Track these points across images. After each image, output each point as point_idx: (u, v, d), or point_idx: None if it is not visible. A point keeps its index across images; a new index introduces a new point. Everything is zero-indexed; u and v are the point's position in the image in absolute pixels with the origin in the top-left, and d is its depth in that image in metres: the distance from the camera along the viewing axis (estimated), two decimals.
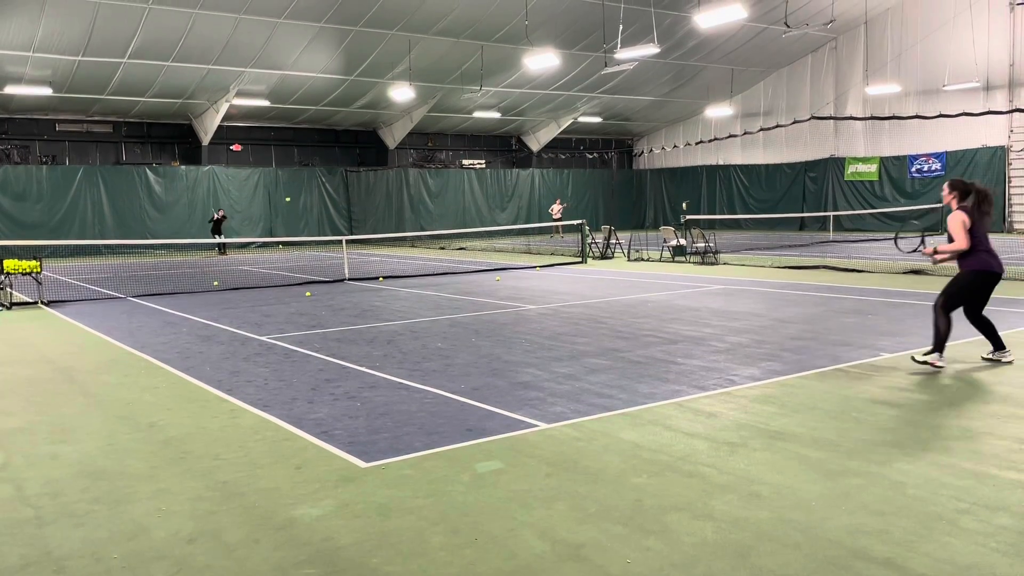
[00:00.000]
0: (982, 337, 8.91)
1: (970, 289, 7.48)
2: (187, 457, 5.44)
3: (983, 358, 7.76)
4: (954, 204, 7.53)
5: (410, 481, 4.85)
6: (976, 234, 7.39)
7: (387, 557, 3.85)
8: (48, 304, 13.93)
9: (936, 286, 13.49)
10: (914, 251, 8.52)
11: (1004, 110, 26.96)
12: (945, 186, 7.65)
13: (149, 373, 8.19)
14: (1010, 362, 7.65)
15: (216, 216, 29.01)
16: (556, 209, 34.79)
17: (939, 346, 7.45)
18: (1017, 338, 8.86)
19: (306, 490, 4.75)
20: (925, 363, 7.46)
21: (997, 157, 29.26)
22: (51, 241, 25.06)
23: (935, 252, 7.74)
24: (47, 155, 29.77)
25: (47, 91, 25.90)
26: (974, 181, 7.66)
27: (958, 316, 7.55)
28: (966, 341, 8.75)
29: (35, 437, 5.99)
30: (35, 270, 14.23)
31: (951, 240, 7.46)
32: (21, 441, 5.90)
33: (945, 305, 7.49)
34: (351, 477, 4.95)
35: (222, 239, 28.05)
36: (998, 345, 7.70)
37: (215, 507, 4.54)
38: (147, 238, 28.74)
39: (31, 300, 14.25)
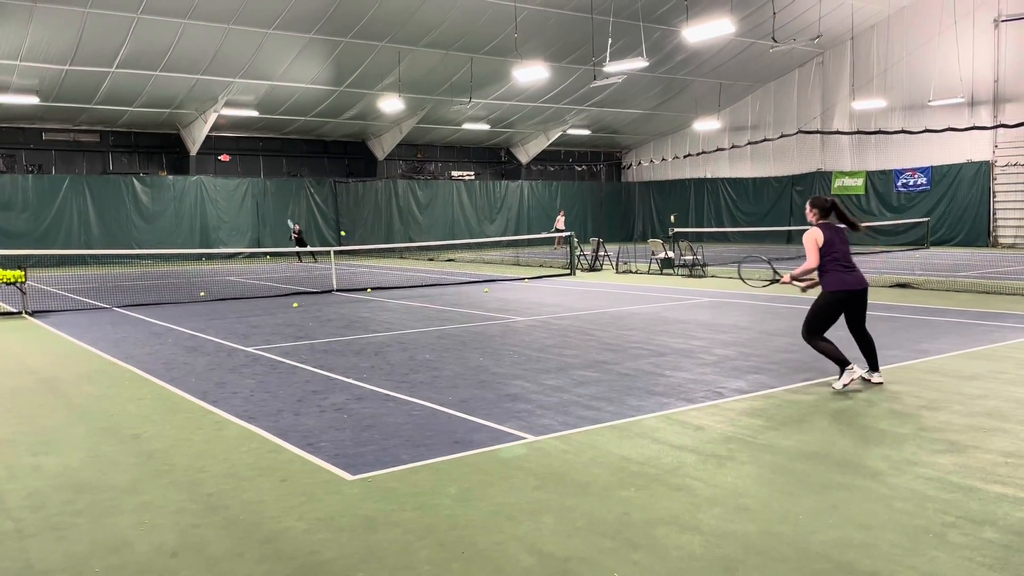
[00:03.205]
0: (967, 351, 9.00)
1: (830, 310, 7.17)
2: (171, 469, 5.40)
3: (861, 378, 7.33)
4: (813, 220, 7.36)
5: (396, 494, 4.82)
6: (831, 251, 7.17)
7: (373, 571, 3.82)
8: (32, 314, 13.82)
9: (922, 299, 13.58)
10: (771, 283, 8.32)
11: (989, 125, 27.24)
12: (807, 204, 7.53)
13: (134, 384, 8.13)
14: (880, 383, 7.31)
15: (296, 230, 29.20)
16: (560, 221, 34.88)
17: (841, 363, 7.13)
18: (1006, 351, 8.92)
19: (291, 503, 4.71)
20: (848, 385, 7.11)
21: (982, 172, 29.52)
22: (36, 251, 24.87)
23: (792, 280, 7.46)
24: (33, 164, 29.58)
25: (34, 100, 25.77)
26: (834, 198, 7.40)
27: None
28: (950, 355, 8.80)
29: (17, 448, 5.92)
30: (20, 280, 14.13)
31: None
32: (3, 452, 5.83)
33: (809, 333, 7.25)
34: (337, 490, 4.91)
35: (305, 248, 27.97)
36: (873, 366, 7.36)
37: (199, 520, 4.49)
38: (133, 248, 28.59)
39: (15, 310, 14.14)
